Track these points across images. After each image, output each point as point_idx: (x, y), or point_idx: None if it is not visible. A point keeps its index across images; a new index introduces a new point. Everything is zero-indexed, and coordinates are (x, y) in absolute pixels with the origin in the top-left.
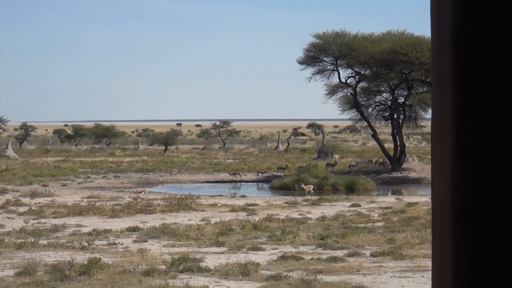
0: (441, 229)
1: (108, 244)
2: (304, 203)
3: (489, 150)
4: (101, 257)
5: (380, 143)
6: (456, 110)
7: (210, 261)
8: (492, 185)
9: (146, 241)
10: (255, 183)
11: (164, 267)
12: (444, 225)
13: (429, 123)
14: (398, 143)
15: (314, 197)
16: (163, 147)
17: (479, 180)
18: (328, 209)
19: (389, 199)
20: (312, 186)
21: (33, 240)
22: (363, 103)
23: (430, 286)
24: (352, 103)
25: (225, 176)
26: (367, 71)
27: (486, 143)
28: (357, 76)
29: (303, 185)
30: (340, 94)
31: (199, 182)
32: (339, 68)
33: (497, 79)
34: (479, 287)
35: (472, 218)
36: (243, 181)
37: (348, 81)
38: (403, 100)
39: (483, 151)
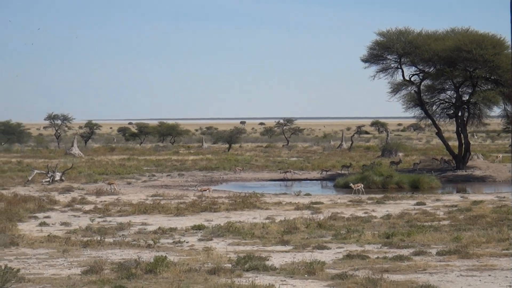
0: None
1: (173, 242)
2: (369, 201)
3: None
4: (166, 255)
5: (444, 141)
6: None
7: (276, 260)
8: None
9: (211, 240)
10: (319, 181)
11: (229, 265)
12: None
13: (493, 120)
14: (463, 141)
15: (378, 196)
16: (227, 145)
17: None
18: (393, 208)
19: (454, 197)
20: (362, 185)
21: (99, 238)
22: (427, 101)
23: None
24: (416, 101)
25: (288, 174)
26: (431, 69)
27: None
28: (421, 74)
29: (351, 184)
30: (404, 92)
31: (263, 180)
32: (403, 66)
33: None
34: None
35: None
36: (297, 179)
37: (412, 79)
38: (467, 98)
39: None
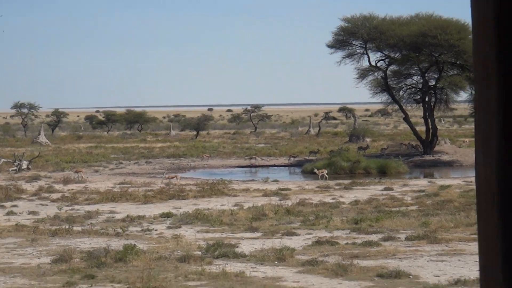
0: (487, 212)
1: (142, 230)
2: (337, 187)
3: None
4: (136, 243)
5: (411, 126)
6: (502, 92)
7: (245, 247)
8: None
9: (180, 227)
10: (287, 168)
11: (199, 253)
12: (490, 208)
13: (460, 105)
14: (430, 126)
15: (346, 181)
16: (195, 133)
17: None
18: (361, 193)
19: (422, 182)
20: (326, 171)
21: (67, 227)
22: (394, 86)
23: (472, 268)
24: (383, 86)
25: (253, 160)
26: (397, 54)
27: None
28: (387, 60)
29: (316, 170)
30: (370, 78)
31: (231, 167)
32: (369, 51)
33: None
34: None
35: None
36: (265, 165)
37: (378, 65)
38: (434, 83)
39: None
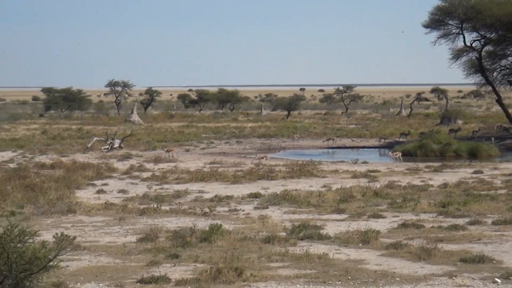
0: None
1: (229, 210)
2: (426, 169)
3: None
4: (222, 223)
5: (504, 108)
6: None
7: (331, 229)
8: None
9: (267, 208)
10: (377, 149)
11: (284, 234)
12: None
13: None
14: None
15: (436, 164)
16: (286, 112)
17: None
18: (450, 176)
19: None
20: (400, 153)
21: (155, 206)
22: (488, 67)
23: None
24: (477, 67)
25: (346, 142)
26: (493, 35)
27: None
28: (482, 40)
29: (390, 153)
30: (464, 58)
31: (321, 148)
32: (464, 31)
33: None
34: None
35: None
36: (339, 147)
37: (473, 45)
38: None
39: None
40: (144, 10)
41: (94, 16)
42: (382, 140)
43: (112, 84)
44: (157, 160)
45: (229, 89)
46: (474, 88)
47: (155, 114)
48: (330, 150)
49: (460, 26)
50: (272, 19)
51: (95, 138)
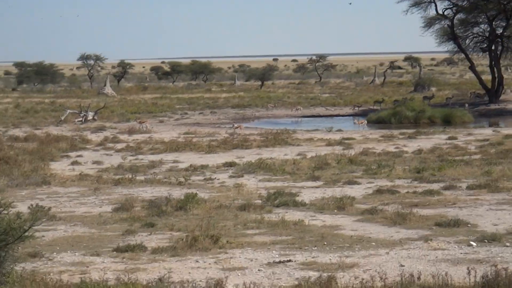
0: None
1: (204, 179)
2: (401, 136)
3: None
4: (197, 192)
5: (477, 75)
6: None
7: (306, 196)
8: None
9: (242, 176)
10: (351, 117)
11: (260, 201)
12: None
13: None
14: (496, 75)
15: (410, 131)
16: (260, 83)
17: None
18: (425, 142)
19: (487, 131)
20: (365, 121)
21: (130, 176)
22: (460, 35)
23: None
24: (449, 35)
25: (320, 110)
26: (464, 2)
27: None
28: (454, 8)
29: (355, 120)
30: (437, 27)
31: (295, 117)
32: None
33: None
34: None
35: None
36: (313, 115)
37: (445, 13)
38: (501, 31)
39: None
40: None
41: None
42: (356, 108)
43: (84, 58)
44: (131, 132)
45: (202, 60)
46: (447, 55)
47: (128, 87)
48: (299, 119)
49: None
50: None
51: (68, 111)
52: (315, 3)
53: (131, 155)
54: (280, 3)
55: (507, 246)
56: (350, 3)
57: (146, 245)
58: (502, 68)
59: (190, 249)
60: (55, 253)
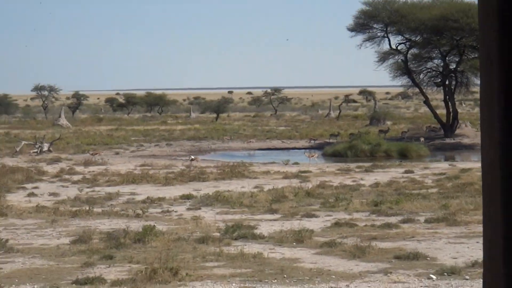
0: (490, 195)
1: (162, 211)
2: (357, 169)
3: None
4: (155, 224)
5: (432, 109)
6: (503, 76)
7: (264, 228)
8: None
9: (199, 209)
10: (308, 150)
11: (218, 234)
12: (494, 191)
13: None
14: (451, 109)
15: (366, 164)
16: (215, 115)
17: None
18: (381, 176)
19: (443, 165)
20: (317, 154)
21: (87, 208)
22: (414, 69)
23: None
24: (403, 69)
25: (277, 143)
26: (418, 38)
27: None
28: (407, 43)
29: (306, 153)
30: (391, 61)
31: (251, 150)
32: (390, 34)
33: None
34: None
35: None
36: (269, 148)
37: (399, 48)
38: (454, 66)
39: None
40: (70, 14)
41: (19, 19)
42: (312, 142)
43: (38, 89)
44: (87, 163)
45: (157, 92)
46: (401, 89)
47: (83, 118)
48: (252, 152)
49: (385, 29)
50: (198, 22)
51: (23, 142)
52: (269, 36)
53: (88, 187)
54: (235, 36)
55: (467, 279)
56: (287, 39)
57: (105, 277)
58: (457, 103)
59: (150, 281)
60: (13, 286)
